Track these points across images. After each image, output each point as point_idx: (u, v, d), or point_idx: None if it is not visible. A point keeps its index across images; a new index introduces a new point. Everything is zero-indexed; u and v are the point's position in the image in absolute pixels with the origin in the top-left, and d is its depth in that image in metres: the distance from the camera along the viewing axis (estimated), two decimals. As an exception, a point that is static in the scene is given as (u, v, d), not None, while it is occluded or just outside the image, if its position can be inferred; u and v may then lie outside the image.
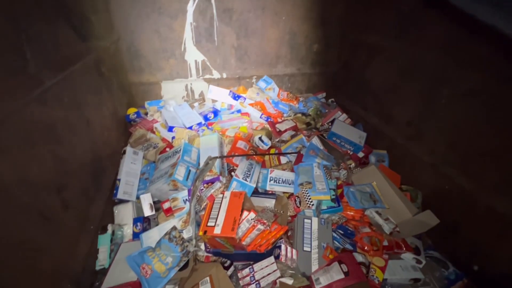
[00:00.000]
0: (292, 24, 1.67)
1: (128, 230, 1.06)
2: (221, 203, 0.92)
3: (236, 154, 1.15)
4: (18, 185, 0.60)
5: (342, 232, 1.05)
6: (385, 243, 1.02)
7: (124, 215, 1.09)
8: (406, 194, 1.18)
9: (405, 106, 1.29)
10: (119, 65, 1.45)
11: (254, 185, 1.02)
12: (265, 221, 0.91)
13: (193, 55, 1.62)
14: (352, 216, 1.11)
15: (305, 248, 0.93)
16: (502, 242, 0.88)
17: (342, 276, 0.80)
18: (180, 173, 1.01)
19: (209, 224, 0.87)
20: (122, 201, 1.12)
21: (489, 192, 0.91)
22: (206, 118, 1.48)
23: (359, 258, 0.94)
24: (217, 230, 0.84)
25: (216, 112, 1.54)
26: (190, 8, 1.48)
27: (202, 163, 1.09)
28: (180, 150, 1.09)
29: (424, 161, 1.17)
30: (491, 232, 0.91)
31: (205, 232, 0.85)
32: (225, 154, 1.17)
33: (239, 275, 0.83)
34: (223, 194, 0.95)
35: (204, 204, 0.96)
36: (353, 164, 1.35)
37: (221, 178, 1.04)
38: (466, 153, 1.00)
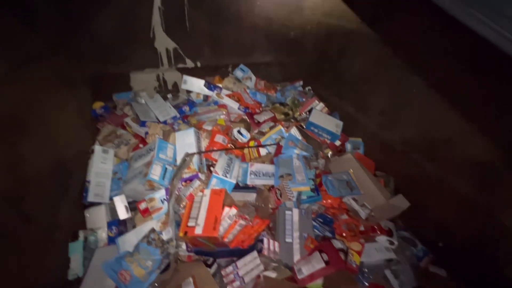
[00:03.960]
0: (268, 10, 1.61)
1: (102, 234, 1.00)
2: (201, 202, 0.89)
3: (215, 149, 1.11)
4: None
5: (321, 220, 1.09)
6: (362, 228, 1.07)
7: (97, 218, 1.03)
8: (379, 180, 1.24)
9: (378, 95, 1.33)
10: (79, 55, 1.30)
11: (235, 181, 1.00)
12: (246, 216, 0.91)
13: (163, 42, 1.51)
14: (331, 204, 1.15)
15: (287, 240, 0.95)
16: (462, 220, 0.97)
17: (323, 265, 0.83)
18: (155, 172, 0.96)
19: (189, 224, 0.84)
20: (93, 204, 1.05)
21: (452, 176, 0.98)
22: (181, 111, 1.41)
23: (338, 244, 0.98)
24: (198, 230, 0.82)
25: (191, 104, 1.47)
26: (158, -10, 1.35)
27: (179, 160, 1.05)
28: (154, 147, 1.03)
29: (395, 149, 1.23)
30: (454, 212, 1.00)
31: (185, 233, 0.82)
32: (203, 149, 1.13)
33: (223, 273, 0.82)
34: (203, 192, 0.93)
35: (183, 203, 0.93)
36: (330, 153, 1.38)
37: (199, 175, 1.00)
38: (433, 140, 1.06)
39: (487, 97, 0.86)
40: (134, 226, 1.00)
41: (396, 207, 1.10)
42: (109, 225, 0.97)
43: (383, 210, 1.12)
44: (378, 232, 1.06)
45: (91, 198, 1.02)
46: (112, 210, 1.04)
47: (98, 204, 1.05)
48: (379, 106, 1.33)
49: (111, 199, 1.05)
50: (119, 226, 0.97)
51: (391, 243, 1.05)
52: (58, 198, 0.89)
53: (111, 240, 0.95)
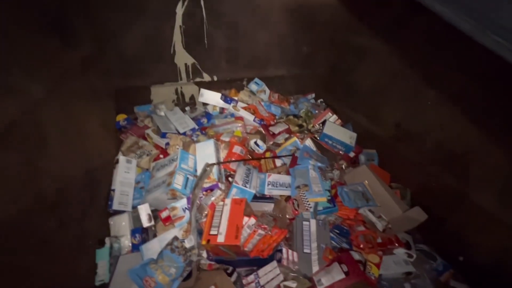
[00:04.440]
0: (282, 26, 1.68)
1: (125, 241, 1.04)
2: (222, 210, 0.93)
3: (233, 159, 1.15)
4: (15, 207, 0.57)
5: (338, 232, 1.09)
6: (379, 240, 1.07)
7: (120, 226, 1.07)
8: (395, 191, 1.24)
9: (392, 107, 1.35)
10: (106, 71, 1.39)
11: (254, 191, 1.03)
12: (265, 226, 0.93)
13: (183, 58, 1.59)
14: (347, 215, 1.16)
15: (305, 250, 0.96)
16: (484, 234, 0.96)
17: (343, 276, 0.84)
18: (178, 182, 1.00)
19: (211, 232, 0.87)
20: (117, 212, 1.09)
21: (472, 189, 0.98)
22: (199, 123, 1.47)
23: (356, 256, 0.98)
24: (221, 239, 0.84)
25: (209, 117, 1.52)
26: (179, 10, 1.44)
27: (199, 170, 1.09)
28: (176, 158, 1.08)
29: (411, 160, 1.23)
30: (474, 226, 0.99)
31: (208, 241, 0.85)
32: (222, 159, 1.17)
33: (244, 281, 0.84)
34: (224, 201, 0.96)
35: (205, 212, 0.96)
36: (344, 164, 1.39)
37: (219, 185, 1.04)
38: (451, 152, 1.07)
39: (505, 108, 0.87)
40: (155, 235, 1.03)
41: (413, 219, 1.10)
42: (133, 232, 1.01)
43: (400, 222, 1.12)
44: (396, 245, 1.06)
45: (115, 206, 1.07)
46: (135, 218, 1.08)
47: (122, 212, 1.09)
48: (393, 118, 1.35)
49: (133, 207, 1.10)
50: (143, 234, 1.01)
51: (410, 256, 1.05)
52: (87, 205, 0.94)
53: (135, 247, 0.98)
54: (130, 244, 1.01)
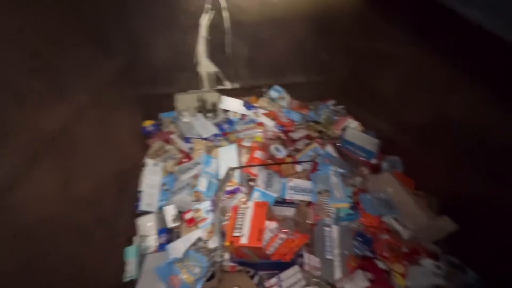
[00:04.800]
0: (300, 34, 1.71)
1: (151, 241, 1.08)
2: (244, 213, 0.94)
3: (255, 164, 1.18)
4: (63, 202, 0.63)
5: (361, 239, 1.07)
6: (404, 249, 1.04)
7: (147, 226, 1.12)
8: (421, 199, 1.19)
9: (415, 112, 1.32)
10: (136, 79, 1.49)
11: (276, 195, 1.04)
12: (287, 230, 0.94)
13: (206, 67, 1.67)
14: (370, 223, 1.13)
15: (327, 256, 0.95)
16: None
17: (368, 283, 0.82)
18: (202, 184, 1.04)
19: (234, 234, 0.89)
20: (144, 213, 1.15)
21: (504, 197, 0.93)
22: (221, 128, 1.52)
23: (380, 265, 0.96)
24: (243, 241, 0.86)
25: (230, 123, 1.57)
26: (204, 22, 1.52)
27: (221, 174, 1.12)
28: (201, 161, 1.13)
29: (437, 167, 1.19)
30: (507, 237, 0.93)
31: (231, 243, 0.87)
32: (243, 164, 1.20)
33: (266, 284, 0.85)
34: (246, 204, 0.98)
35: (228, 214, 0.99)
36: (367, 171, 1.37)
37: (241, 188, 1.06)
38: (479, 158, 1.02)
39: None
40: (178, 236, 1.07)
41: (440, 229, 1.06)
42: (160, 232, 1.05)
43: (426, 232, 1.08)
44: (423, 255, 1.02)
45: (143, 207, 1.12)
46: (161, 219, 1.12)
47: (148, 212, 1.15)
48: (416, 123, 1.31)
49: (159, 208, 1.15)
50: (168, 234, 1.05)
51: (438, 267, 1.00)
52: (119, 205, 1.00)
53: (161, 247, 1.02)
54: (157, 244, 1.05)
